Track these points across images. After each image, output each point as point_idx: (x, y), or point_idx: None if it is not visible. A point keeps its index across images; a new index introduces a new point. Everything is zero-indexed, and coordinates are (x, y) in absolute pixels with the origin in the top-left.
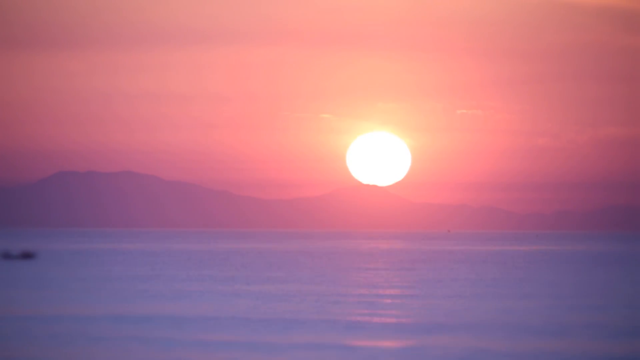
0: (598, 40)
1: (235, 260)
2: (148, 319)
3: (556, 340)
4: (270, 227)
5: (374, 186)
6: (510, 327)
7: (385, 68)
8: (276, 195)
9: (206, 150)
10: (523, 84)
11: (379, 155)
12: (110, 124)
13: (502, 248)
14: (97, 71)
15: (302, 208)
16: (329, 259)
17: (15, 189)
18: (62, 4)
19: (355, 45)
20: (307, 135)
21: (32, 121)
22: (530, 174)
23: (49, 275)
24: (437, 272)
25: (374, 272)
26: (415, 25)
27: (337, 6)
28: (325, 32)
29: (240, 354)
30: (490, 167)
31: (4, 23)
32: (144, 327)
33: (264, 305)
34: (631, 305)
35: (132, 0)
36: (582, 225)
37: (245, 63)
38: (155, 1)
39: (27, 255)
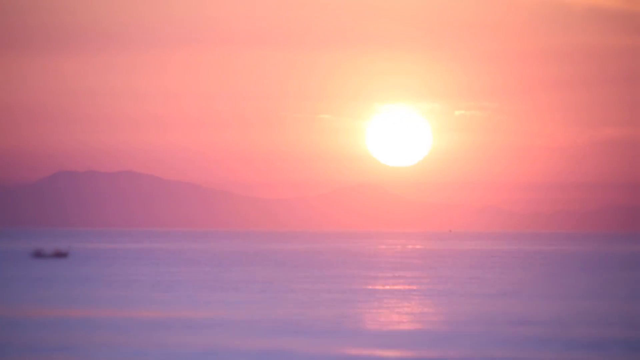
0: (597, 42)
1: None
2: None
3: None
4: (270, 227)
5: (374, 186)
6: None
7: (384, 69)
8: (276, 195)
9: (206, 150)
10: (522, 85)
11: (401, 130)
12: (110, 124)
13: (527, 248)
14: (96, 72)
15: (302, 208)
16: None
17: (15, 189)
18: (63, 6)
19: (354, 46)
20: (306, 135)
21: (32, 121)
22: (530, 174)
23: (95, 275)
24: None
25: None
26: (413, 27)
27: (336, 8)
28: (324, 34)
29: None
30: (490, 167)
31: (4, 25)
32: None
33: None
34: None
35: (139, 2)
36: (582, 225)
37: (245, 64)
38: (157, 4)
39: (60, 255)
